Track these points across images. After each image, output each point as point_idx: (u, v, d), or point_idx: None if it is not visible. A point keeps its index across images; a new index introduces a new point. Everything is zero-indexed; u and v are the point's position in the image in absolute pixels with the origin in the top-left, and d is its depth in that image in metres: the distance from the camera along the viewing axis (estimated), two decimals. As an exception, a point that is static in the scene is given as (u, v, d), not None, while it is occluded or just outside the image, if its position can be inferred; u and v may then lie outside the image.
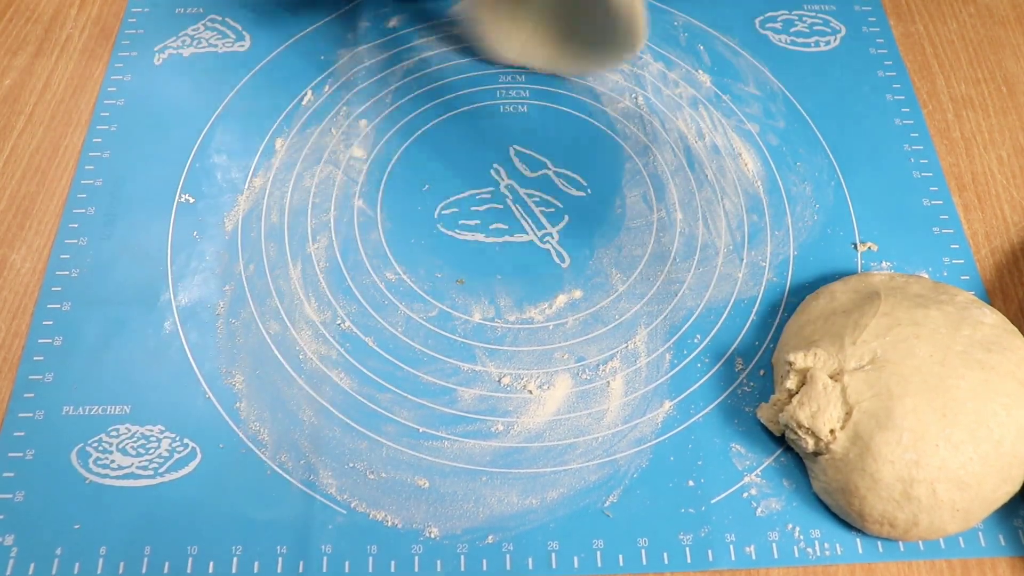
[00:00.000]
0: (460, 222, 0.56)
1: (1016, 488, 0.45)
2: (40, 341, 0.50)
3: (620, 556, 0.45)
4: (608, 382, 0.50)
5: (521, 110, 0.61)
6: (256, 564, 0.44)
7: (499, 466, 0.47)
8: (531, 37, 0.60)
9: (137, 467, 0.47)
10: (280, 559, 0.45)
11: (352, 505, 0.46)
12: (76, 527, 0.45)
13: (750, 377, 0.51)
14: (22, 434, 0.47)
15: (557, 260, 0.55)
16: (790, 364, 0.47)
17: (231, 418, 0.48)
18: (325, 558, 0.45)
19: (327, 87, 0.62)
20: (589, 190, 0.58)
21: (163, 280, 0.53)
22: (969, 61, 0.65)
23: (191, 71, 0.62)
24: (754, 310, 0.53)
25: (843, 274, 0.54)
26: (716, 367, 0.51)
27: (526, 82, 0.63)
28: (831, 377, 0.46)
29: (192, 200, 0.56)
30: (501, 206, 0.57)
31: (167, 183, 0.57)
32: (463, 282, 0.53)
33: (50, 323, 0.51)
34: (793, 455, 0.48)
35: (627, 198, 0.57)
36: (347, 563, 0.45)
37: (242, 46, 0.64)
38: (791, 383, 0.47)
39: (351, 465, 0.47)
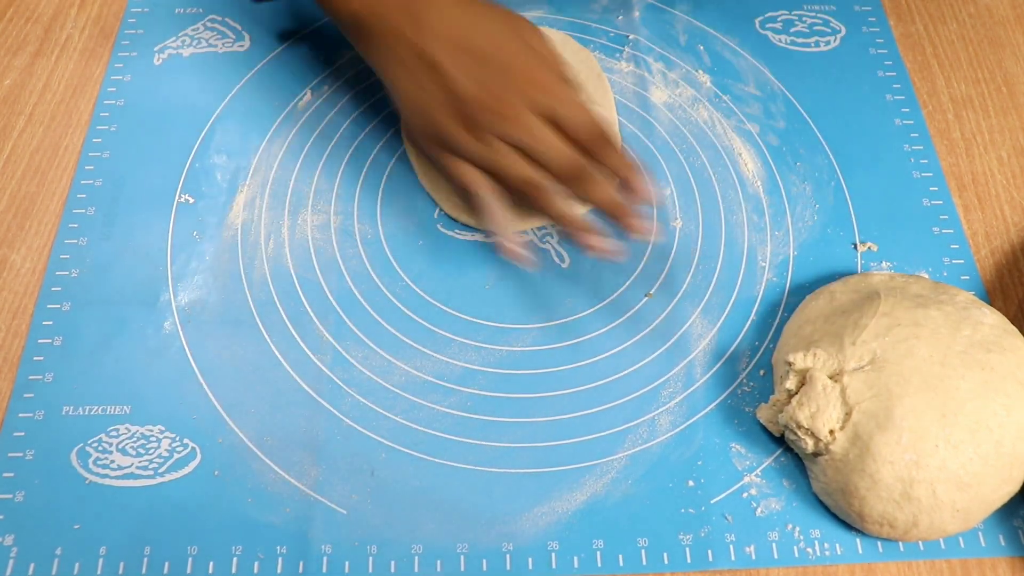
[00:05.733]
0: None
1: (1016, 488, 0.45)
2: (40, 341, 0.50)
3: (620, 556, 0.45)
4: (608, 382, 0.50)
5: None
6: (256, 564, 0.44)
7: (499, 466, 0.47)
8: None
9: (137, 467, 0.47)
10: (280, 559, 0.45)
11: (352, 505, 0.46)
12: (76, 527, 0.45)
13: (750, 377, 0.51)
14: (22, 434, 0.47)
15: (557, 260, 0.55)
16: (790, 364, 0.47)
17: (231, 418, 0.48)
18: (325, 558, 0.45)
19: (327, 87, 0.62)
20: (589, 190, 0.58)
21: (163, 280, 0.53)
22: (969, 61, 0.65)
23: (191, 71, 0.62)
24: (754, 310, 0.53)
25: (843, 274, 0.54)
26: (716, 367, 0.51)
27: (526, 82, 0.63)
28: (831, 377, 0.46)
29: (192, 200, 0.56)
30: (501, 206, 0.57)
31: (167, 183, 0.57)
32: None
33: (50, 323, 0.51)
34: (793, 455, 0.48)
35: (627, 198, 0.57)
36: (347, 563, 0.45)
37: (242, 46, 0.64)
38: (791, 383, 0.47)
39: (351, 465, 0.47)
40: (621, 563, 0.45)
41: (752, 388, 0.50)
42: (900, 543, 0.46)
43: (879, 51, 0.66)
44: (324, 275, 0.54)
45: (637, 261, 0.55)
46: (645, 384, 0.50)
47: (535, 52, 0.48)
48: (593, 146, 0.46)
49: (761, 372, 0.51)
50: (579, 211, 0.48)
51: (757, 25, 0.66)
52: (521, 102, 0.46)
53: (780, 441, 0.48)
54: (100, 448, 0.47)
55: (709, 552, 0.45)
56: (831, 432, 0.44)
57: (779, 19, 0.67)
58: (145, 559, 0.44)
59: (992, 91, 0.64)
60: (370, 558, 0.45)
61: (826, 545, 0.46)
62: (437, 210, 0.56)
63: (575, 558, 0.45)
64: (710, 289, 0.54)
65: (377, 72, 0.51)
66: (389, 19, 0.47)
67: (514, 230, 0.50)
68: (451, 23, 0.47)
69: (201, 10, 0.65)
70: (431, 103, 0.47)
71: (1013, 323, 0.48)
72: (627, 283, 0.54)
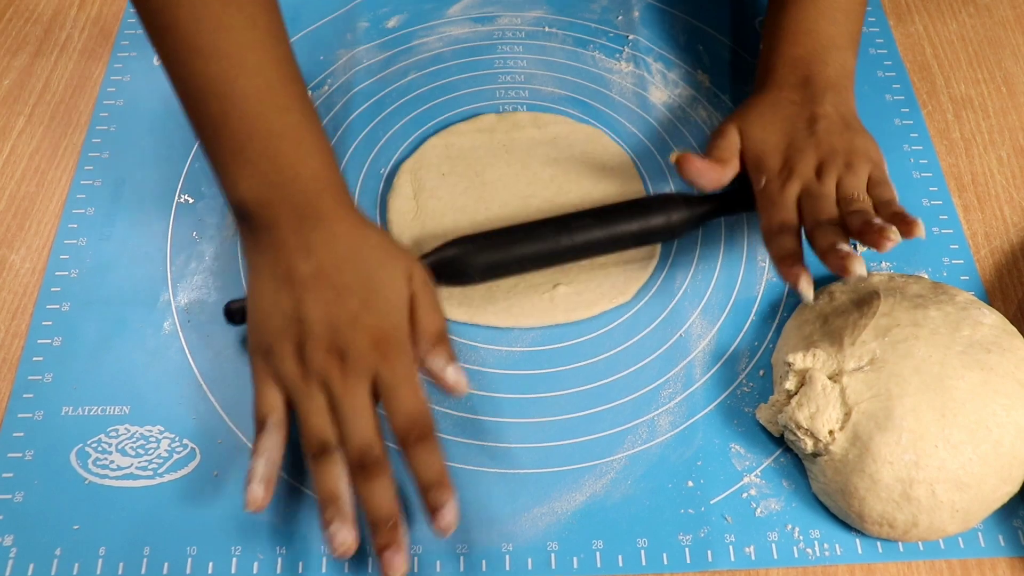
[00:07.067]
0: (460, 222, 0.56)
1: (1016, 488, 0.45)
2: (39, 341, 0.50)
3: (619, 556, 0.45)
4: (608, 383, 0.50)
5: (520, 110, 0.61)
6: (256, 564, 0.44)
7: (499, 466, 0.47)
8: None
9: (136, 467, 0.47)
10: (280, 559, 0.45)
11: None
12: (75, 527, 0.45)
13: (750, 377, 0.51)
14: (21, 434, 0.47)
15: (557, 260, 0.55)
16: (789, 365, 0.47)
17: (231, 418, 0.48)
18: (325, 558, 0.45)
19: (326, 87, 0.62)
20: (589, 190, 0.58)
21: (163, 280, 0.53)
22: (969, 61, 0.65)
23: (191, 71, 0.62)
24: (754, 310, 0.53)
25: (843, 274, 0.54)
26: (716, 367, 0.51)
27: (526, 82, 0.63)
28: (830, 378, 0.46)
29: (192, 200, 0.56)
30: (501, 206, 0.57)
31: (167, 183, 0.57)
32: None
33: (49, 323, 0.51)
34: (792, 455, 0.48)
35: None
36: (347, 563, 0.44)
37: (242, 46, 0.64)
38: (790, 384, 0.47)
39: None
40: (620, 563, 0.45)
41: (752, 388, 0.50)
42: (900, 543, 0.46)
43: (879, 51, 0.66)
44: (324, 275, 0.54)
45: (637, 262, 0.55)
46: (645, 384, 0.50)
47: (404, 313, 0.45)
48: (406, 437, 0.42)
49: (761, 372, 0.51)
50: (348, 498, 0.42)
51: (757, 25, 0.66)
52: (361, 364, 0.43)
53: (780, 441, 0.48)
54: (100, 448, 0.47)
55: (709, 552, 0.45)
56: (830, 432, 0.44)
57: (779, 19, 0.67)
58: (144, 559, 0.44)
59: (992, 91, 0.64)
60: (369, 559, 0.45)
61: (826, 545, 0.46)
62: (437, 210, 0.56)
63: (574, 558, 0.45)
64: (710, 289, 0.54)
65: (246, 264, 0.48)
66: (276, 222, 0.45)
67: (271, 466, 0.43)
68: (332, 249, 0.45)
69: (201, 10, 0.65)
70: (277, 316, 0.44)
71: (1013, 323, 0.48)
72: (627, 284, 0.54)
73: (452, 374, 0.44)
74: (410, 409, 0.43)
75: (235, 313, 0.49)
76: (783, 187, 0.49)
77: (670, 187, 0.58)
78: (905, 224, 0.45)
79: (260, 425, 0.44)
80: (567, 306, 0.52)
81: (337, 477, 0.42)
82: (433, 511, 0.42)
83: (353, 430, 0.42)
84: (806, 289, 0.46)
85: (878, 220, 0.45)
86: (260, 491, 0.42)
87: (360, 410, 0.43)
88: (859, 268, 0.44)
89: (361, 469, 0.42)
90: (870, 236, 0.45)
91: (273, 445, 0.43)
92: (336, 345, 0.43)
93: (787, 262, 0.47)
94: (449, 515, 0.41)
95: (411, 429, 0.43)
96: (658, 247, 0.55)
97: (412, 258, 0.47)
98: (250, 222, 0.46)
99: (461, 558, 0.45)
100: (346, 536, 0.41)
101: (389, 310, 0.44)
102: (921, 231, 0.45)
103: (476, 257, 0.50)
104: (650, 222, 0.51)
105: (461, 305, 0.52)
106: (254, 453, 0.43)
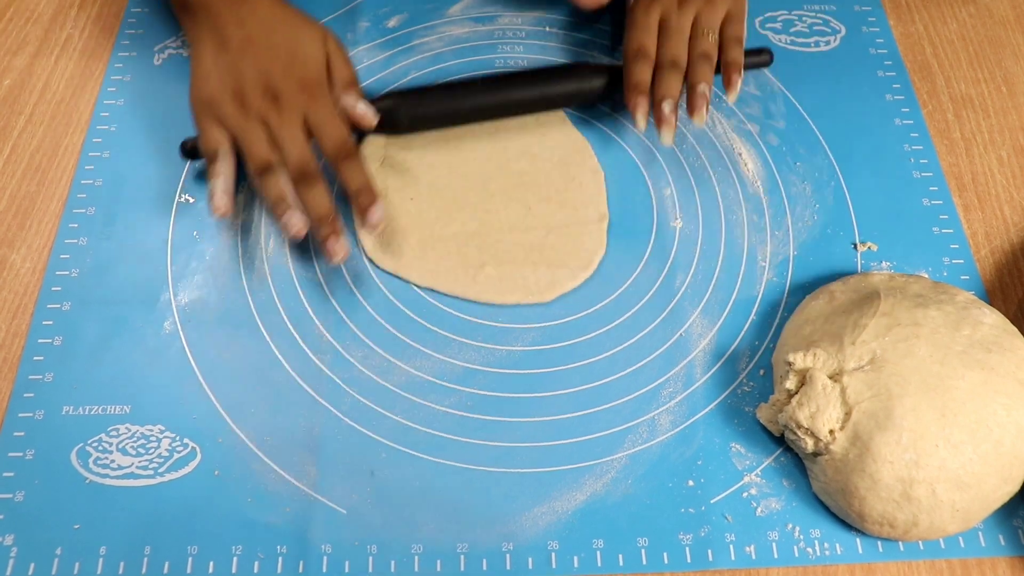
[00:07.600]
0: (460, 222, 0.56)
1: (1016, 488, 0.45)
2: (40, 341, 0.50)
3: (620, 556, 0.45)
4: (608, 382, 0.50)
5: (521, 110, 0.61)
6: (256, 564, 0.44)
7: (499, 466, 0.47)
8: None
9: (137, 467, 0.47)
10: (280, 559, 0.45)
11: (352, 505, 0.46)
12: (76, 527, 0.45)
13: (750, 377, 0.51)
14: (22, 434, 0.47)
15: (557, 260, 0.55)
16: (789, 364, 0.47)
17: (231, 418, 0.48)
18: (325, 558, 0.45)
19: (327, 87, 0.62)
20: (589, 190, 0.58)
21: (163, 280, 0.53)
22: (969, 61, 0.65)
23: (191, 71, 0.62)
24: (754, 310, 0.53)
25: (843, 274, 0.54)
26: (716, 367, 0.51)
27: (526, 82, 0.63)
28: (830, 377, 0.46)
29: (192, 200, 0.56)
30: (501, 206, 0.57)
31: (167, 183, 0.57)
32: None
33: (50, 323, 0.51)
34: (793, 455, 0.48)
35: (628, 199, 0.57)
36: (347, 563, 0.45)
37: (242, 46, 0.64)
38: (790, 383, 0.47)
39: (351, 465, 0.47)
40: (621, 563, 0.45)
41: (752, 388, 0.50)
42: (900, 543, 0.46)
43: (879, 51, 0.66)
44: (324, 274, 0.54)
45: (636, 261, 0.55)
46: (645, 384, 0.50)
47: (322, 66, 0.54)
48: (336, 157, 0.51)
49: (761, 372, 0.51)
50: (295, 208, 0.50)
51: (757, 25, 0.67)
52: (293, 103, 0.52)
53: (780, 441, 0.48)
54: (100, 448, 0.47)
55: (709, 552, 0.45)
56: (831, 432, 0.44)
57: (779, 19, 0.67)
58: (145, 559, 0.44)
59: (992, 91, 0.64)
60: (370, 558, 0.45)
61: (826, 545, 0.46)
62: (437, 210, 0.56)
63: (575, 558, 0.45)
64: (710, 289, 0.54)
65: (188, 43, 0.56)
66: (211, 3, 0.54)
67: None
68: (259, 19, 0.54)
69: (201, 10, 0.65)
70: (216, 75, 0.52)
71: (1013, 323, 0.48)
72: (626, 283, 0.54)
73: (362, 107, 0.54)
74: (336, 136, 0.52)
75: (190, 150, 0.55)
76: (647, 11, 0.57)
77: (670, 188, 0.58)
78: (728, 78, 0.55)
79: (211, 156, 0.52)
80: (485, 287, 0.53)
81: (281, 185, 0.50)
82: (362, 211, 0.51)
83: (291, 151, 0.51)
84: (640, 121, 0.55)
85: (703, 88, 0.55)
86: (224, 200, 0.51)
87: (296, 136, 0.51)
88: (665, 136, 0.54)
89: (301, 178, 0.50)
90: (689, 100, 0.55)
91: (226, 166, 0.51)
92: (271, 90, 0.52)
93: (635, 90, 0.55)
94: (377, 212, 0.51)
95: (339, 150, 0.52)
96: (596, 261, 0.54)
97: (326, 27, 0.56)
98: (190, 8, 0.55)
99: (461, 557, 0.45)
100: (297, 219, 0.50)
101: (311, 63, 0.54)
102: (733, 92, 0.55)
103: (406, 109, 0.57)
104: (566, 86, 0.58)
105: (390, 255, 0.54)
106: (211, 175, 0.51)
